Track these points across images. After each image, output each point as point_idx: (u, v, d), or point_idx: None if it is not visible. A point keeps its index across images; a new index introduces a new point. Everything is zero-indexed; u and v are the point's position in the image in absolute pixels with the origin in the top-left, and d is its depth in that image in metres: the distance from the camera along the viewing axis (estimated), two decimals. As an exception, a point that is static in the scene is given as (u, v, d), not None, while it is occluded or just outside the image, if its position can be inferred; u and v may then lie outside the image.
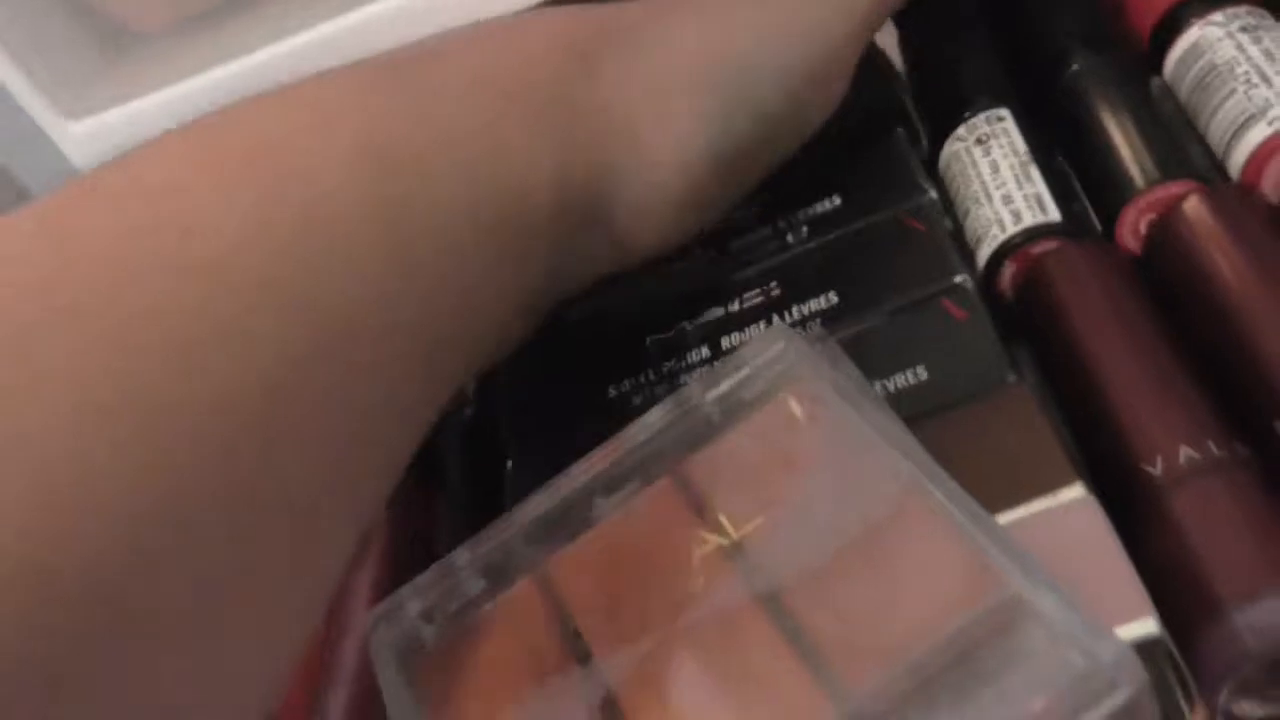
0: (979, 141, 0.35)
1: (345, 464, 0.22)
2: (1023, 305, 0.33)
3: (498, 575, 0.28)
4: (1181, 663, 0.25)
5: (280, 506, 0.20)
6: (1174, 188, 0.32)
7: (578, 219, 0.28)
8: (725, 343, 0.34)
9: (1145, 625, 0.24)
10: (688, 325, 0.35)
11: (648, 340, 0.35)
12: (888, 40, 0.43)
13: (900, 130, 0.37)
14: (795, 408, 0.26)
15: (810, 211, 0.36)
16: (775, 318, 0.33)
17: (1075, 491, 0.26)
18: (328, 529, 0.22)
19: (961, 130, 0.36)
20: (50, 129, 0.46)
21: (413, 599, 0.28)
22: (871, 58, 0.39)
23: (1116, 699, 0.20)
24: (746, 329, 0.34)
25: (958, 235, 0.35)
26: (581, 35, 0.29)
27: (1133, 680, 0.20)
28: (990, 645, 0.22)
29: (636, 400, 0.34)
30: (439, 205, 0.24)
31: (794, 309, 0.34)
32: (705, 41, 0.30)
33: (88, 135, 0.46)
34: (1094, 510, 0.26)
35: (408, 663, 0.27)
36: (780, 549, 0.24)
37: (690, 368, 0.34)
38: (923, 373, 0.31)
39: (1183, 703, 0.25)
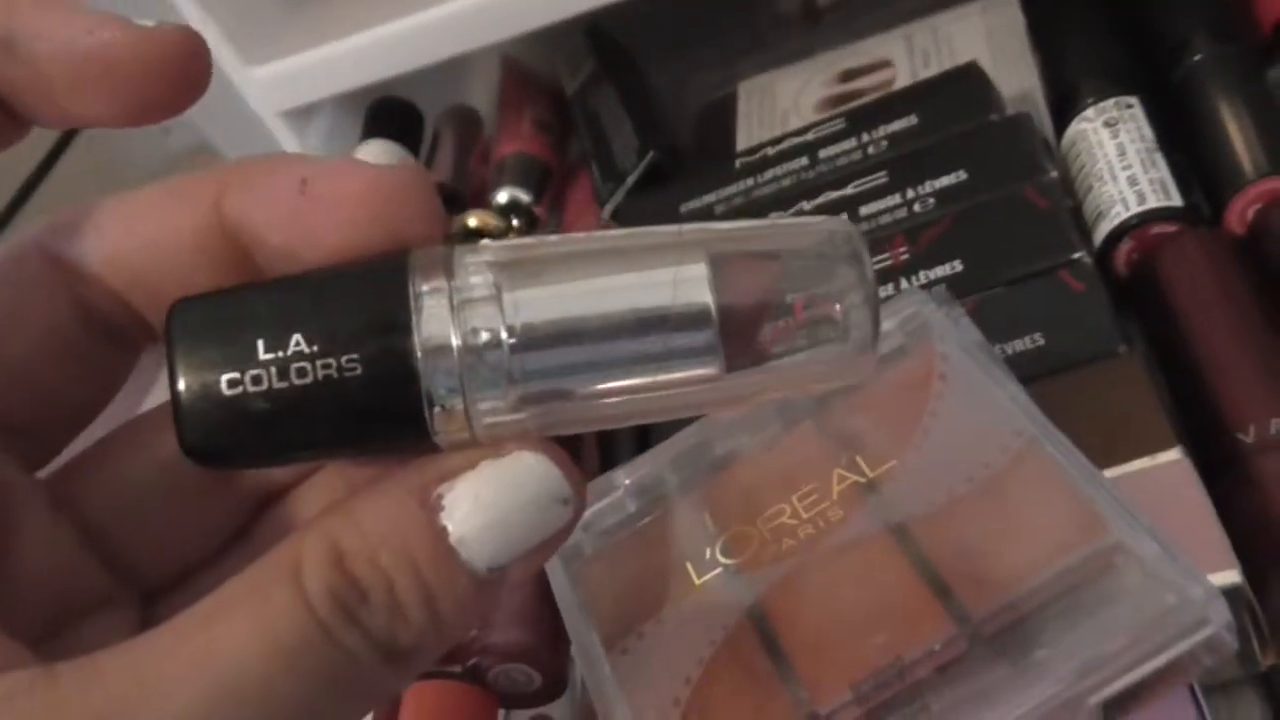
0: (1107, 124, 0.37)
1: None
2: (1136, 280, 0.35)
3: (649, 497, 0.32)
4: (1259, 610, 0.28)
5: None
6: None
7: None
8: (855, 301, 0.37)
9: (1228, 575, 0.27)
10: (820, 283, 0.39)
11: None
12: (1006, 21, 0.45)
13: (1026, 112, 0.40)
14: (927, 364, 0.30)
15: (937, 184, 0.39)
16: (904, 281, 0.37)
17: (1173, 454, 0.30)
18: None
19: (1090, 112, 0.38)
20: (231, 73, 0.51)
21: (575, 513, 0.32)
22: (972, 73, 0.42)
23: (1203, 634, 0.23)
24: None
25: (1076, 209, 0.38)
26: None
27: (1218, 618, 0.23)
28: (1093, 583, 0.25)
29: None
30: None
31: (921, 274, 0.37)
32: None
33: (267, 80, 0.50)
34: (1188, 471, 0.29)
35: (570, 567, 0.31)
36: (910, 488, 0.28)
37: (822, 322, 0.37)
38: (1040, 339, 0.34)
39: (1257, 646, 0.29)
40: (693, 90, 0.58)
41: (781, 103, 0.52)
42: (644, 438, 0.38)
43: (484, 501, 0.19)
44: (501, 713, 0.41)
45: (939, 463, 0.28)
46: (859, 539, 0.27)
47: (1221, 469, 0.30)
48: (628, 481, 0.32)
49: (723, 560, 0.29)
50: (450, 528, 0.19)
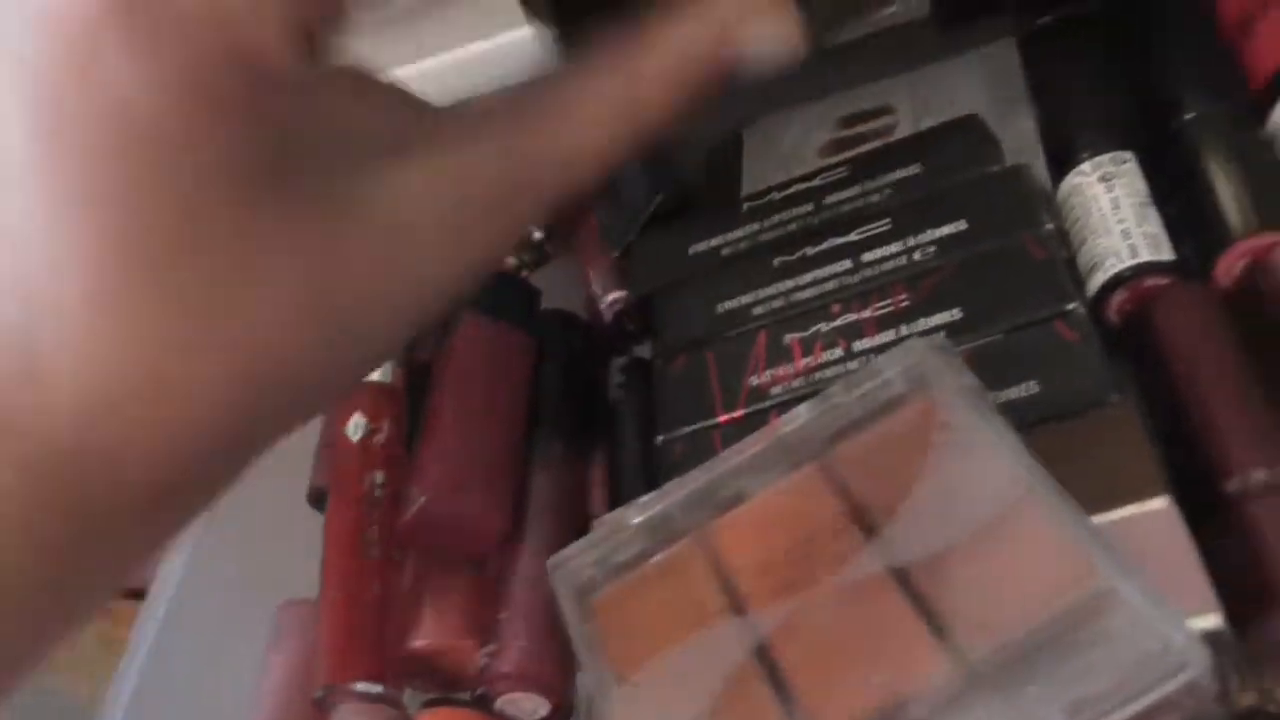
0: (1103, 179, 0.39)
1: None
2: (1128, 330, 0.37)
3: (660, 535, 0.33)
4: (1239, 652, 0.29)
5: None
6: (1268, 238, 0.36)
7: None
8: (857, 346, 0.39)
9: (1210, 619, 0.29)
10: (823, 327, 0.40)
11: (785, 339, 0.40)
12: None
13: (1026, 164, 0.42)
14: (929, 413, 0.31)
15: (938, 232, 0.41)
16: (903, 327, 0.38)
17: (1160, 502, 0.31)
18: None
19: (1086, 166, 0.40)
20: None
21: (586, 550, 0.34)
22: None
23: (1184, 678, 0.25)
24: (876, 335, 0.39)
25: (1070, 260, 0.39)
26: None
27: (1199, 663, 0.25)
28: (1084, 626, 0.27)
29: (776, 390, 0.39)
30: None
31: (920, 320, 0.38)
32: None
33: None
34: (1174, 519, 0.31)
35: (583, 603, 0.33)
36: (912, 532, 0.29)
37: (825, 365, 0.39)
38: (1034, 386, 0.35)
39: (1236, 687, 0.30)
40: (695, 130, 0.60)
41: (785, 146, 0.54)
42: (651, 477, 0.39)
43: None
44: (508, 740, 0.42)
45: (939, 508, 0.29)
46: (862, 580, 0.29)
47: (1206, 515, 0.32)
48: (638, 519, 0.34)
49: (731, 598, 0.30)
50: None
